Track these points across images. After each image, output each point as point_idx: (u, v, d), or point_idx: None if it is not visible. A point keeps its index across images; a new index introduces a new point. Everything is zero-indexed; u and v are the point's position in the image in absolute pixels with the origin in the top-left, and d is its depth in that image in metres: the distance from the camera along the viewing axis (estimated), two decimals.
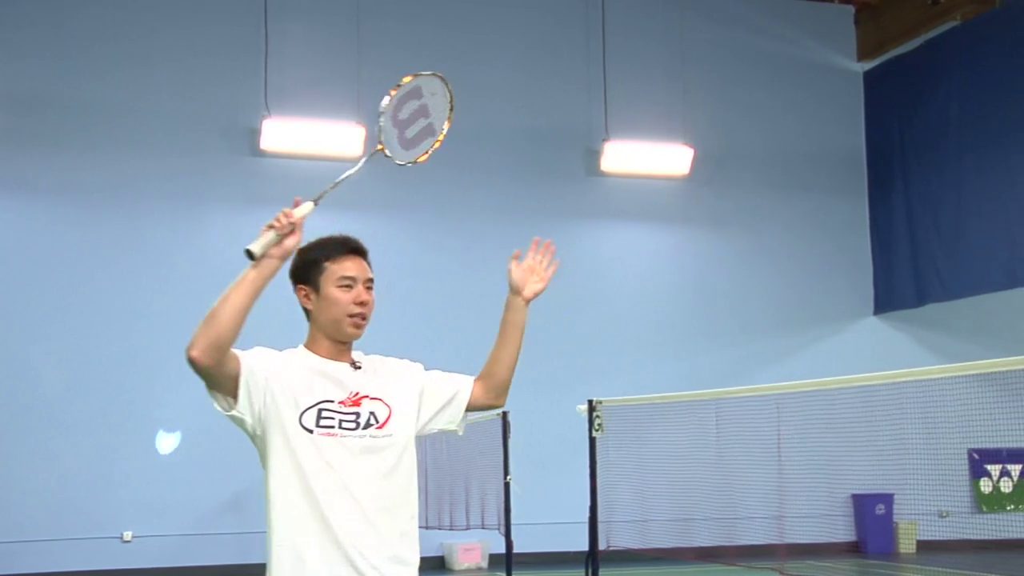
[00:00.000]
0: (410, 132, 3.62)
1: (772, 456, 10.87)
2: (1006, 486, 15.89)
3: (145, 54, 14.20)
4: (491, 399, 3.52)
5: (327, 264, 3.28)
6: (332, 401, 3.19)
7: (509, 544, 10.16)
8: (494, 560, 13.65)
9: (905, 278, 15.86)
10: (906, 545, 15.17)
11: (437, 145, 3.59)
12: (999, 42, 14.35)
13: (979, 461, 15.70)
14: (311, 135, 14.08)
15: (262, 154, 14.13)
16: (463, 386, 3.48)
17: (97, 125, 13.96)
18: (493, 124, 15.31)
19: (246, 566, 12.53)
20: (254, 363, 3.14)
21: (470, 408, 3.47)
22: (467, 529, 11.33)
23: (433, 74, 3.63)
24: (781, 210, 16.31)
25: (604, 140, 15.34)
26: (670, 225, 15.94)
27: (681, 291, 15.76)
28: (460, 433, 3.48)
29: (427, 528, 11.98)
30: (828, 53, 16.78)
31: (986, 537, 13.45)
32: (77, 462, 13.37)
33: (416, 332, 14.42)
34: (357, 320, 3.26)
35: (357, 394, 3.22)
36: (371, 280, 3.35)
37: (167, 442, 13.63)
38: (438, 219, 15.02)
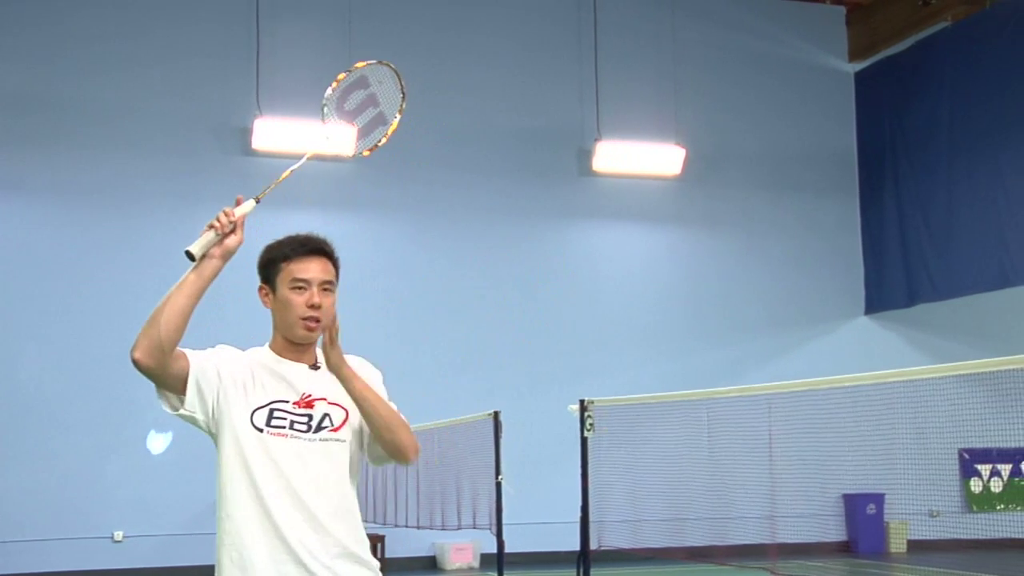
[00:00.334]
0: (359, 121, 3.54)
1: (764, 456, 10.88)
2: (996, 486, 15.93)
3: (138, 54, 14.18)
4: (394, 458, 3.22)
5: (283, 265, 3.21)
6: (286, 402, 3.16)
7: (501, 544, 10.15)
8: (486, 560, 13.65)
9: (896, 278, 15.89)
10: (897, 545, 15.20)
11: (390, 133, 3.51)
12: (990, 43, 14.38)
13: (969, 461, 15.73)
14: (303, 135, 14.07)
15: (254, 153, 14.12)
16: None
17: (90, 125, 13.94)
18: (485, 124, 15.32)
19: None
20: (206, 362, 3.13)
21: (372, 453, 3.23)
22: (459, 529, 11.32)
23: (380, 62, 3.58)
24: (773, 210, 16.33)
25: (596, 140, 15.35)
26: (662, 225, 15.96)
27: (673, 291, 15.77)
28: (368, 463, 3.30)
29: (419, 528, 11.97)
30: (819, 53, 16.81)
31: (976, 537, 13.47)
32: (69, 462, 13.35)
33: (408, 332, 14.42)
34: (309, 323, 3.17)
35: (309, 396, 3.18)
36: (329, 282, 3.21)
37: (159, 442, 13.61)
38: (430, 219, 15.02)
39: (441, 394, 13.71)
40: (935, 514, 14.47)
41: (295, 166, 3.35)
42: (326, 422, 3.17)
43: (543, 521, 13.64)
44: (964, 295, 14.92)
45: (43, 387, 13.43)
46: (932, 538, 14.10)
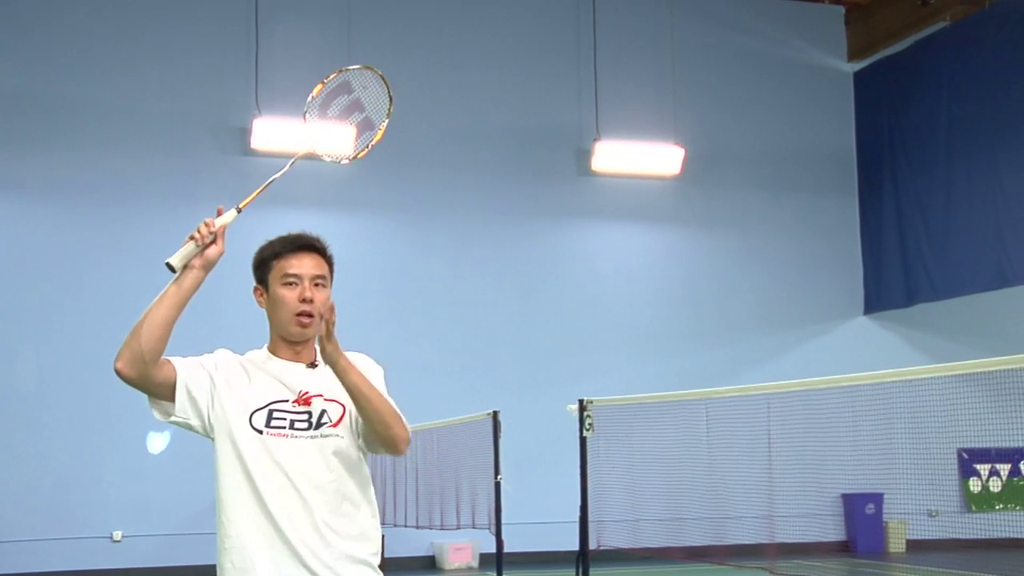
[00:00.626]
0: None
1: (762, 456, 10.88)
2: (995, 485, 15.93)
3: (136, 54, 14.18)
4: (387, 450, 3.18)
5: (275, 262, 3.21)
6: (285, 401, 3.15)
7: (500, 543, 10.16)
8: (485, 560, 13.66)
9: (895, 278, 15.89)
10: (896, 544, 15.21)
11: (378, 139, 3.49)
12: (989, 42, 14.39)
13: (968, 461, 15.74)
14: (301, 135, 14.05)
15: (253, 153, 14.11)
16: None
17: (88, 125, 13.93)
18: (484, 124, 15.32)
19: None
20: (195, 368, 3.13)
21: (367, 443, 3.19)
22: (458, 528, 11.32)
23: (363, 67, 3.55)
24: (771, 210, 16.34)
25: (595, 140, 15.35)
26: (661, 225, 15.96)
27: (672, 291, 15.77)
28: (364, 452, 3.22)
29: (418, 528, 11.98)
30: (818, 53, 16.82)
31: (975, 536, 13.47)
32: (67, 462, 13.35)
33: (407, 331, 14.42)
34: (303, 319, 3.16)
35: (306, 393, 3.17)
36: (321, 277, 3.20)
37: (157, 442, 13.61)
38: (429, 219, 15.01)
39: (440, 394, 13.71)
40: (934, 514, 14.47)
41: (276, 175, 3.35)
42: (325, 418, 3.16)
43: (542, 521, 13.64)
44: (963, 295, 14.93)
45: (41, 387, 13.42)
46: (931, 538, 14.11)
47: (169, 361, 3.09)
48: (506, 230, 15.09)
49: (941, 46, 15.22)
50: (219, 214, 3.11)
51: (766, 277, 16.14)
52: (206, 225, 3.06)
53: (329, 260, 3.27)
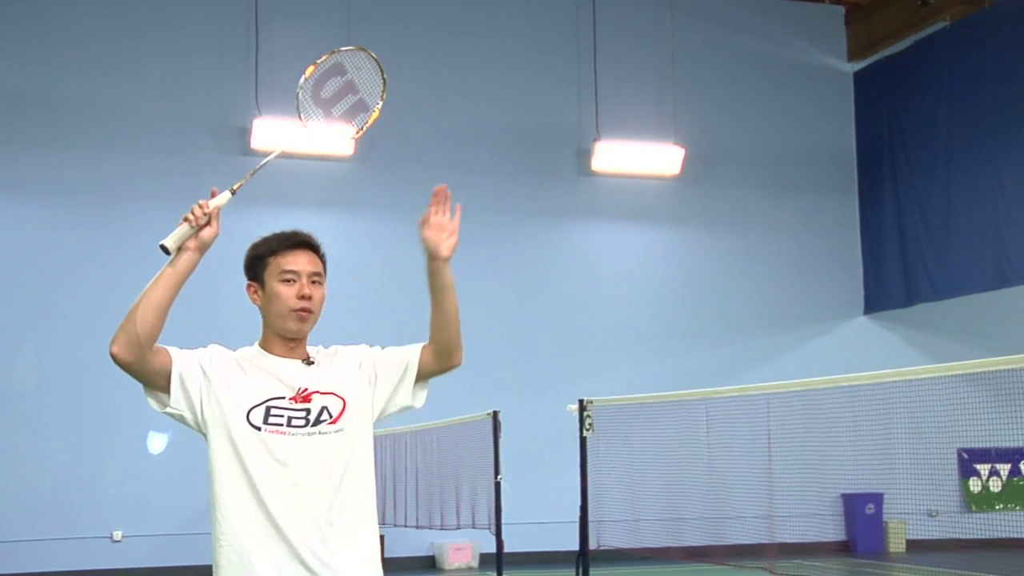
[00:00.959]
0: (337, 110, 3.52)
1: (762, 456, 10.88)
2: (995, 485, 15.93)
3: (135, 54, 14.18)
4: (444, 361, 3.36)
5: (271, 259, 3.21)
6: (282, 398, 3.14)
7: (500, 543, 10.16)
8: (485, 559, 13.65)
9: (895, 278, 15.90)
10: (896, 544, 15.21)
11: (372, 119, 3.50)
12: (989, 43, 14.39)
13: (968, 461, 15.74)
14: (301, 134, 14.05)
15: (253, 153, 14.10)
16: (412, 357, 3.32)
17: (87, 125, 13.93)
18: (484, 124, 15.33)
19: None
20: (190, 360, 3.11)
21: (425, 375, 3.32)
22: (458, 528, 11.32)
23: (356, 48, 3.55)
24: (771, 210, 16.34)
25: (595, 140, 15.35)
26: (661, 225, 15.96)
27: (672, 291, 15.78)
28: (418, 407, 3.35)
29: (417, 528, 11.98)
30: (818, 53, 16.82)
31: (975, 536, 13.48)
32: (67, 462, 13.35)
33: (406, 331, 14.36)
34: (301, 314, 3.17)
35: (306, 390, 3.16)
36: (318, 274, 3.22)
37: (157, 442, 13.61)
38: None
39: (440, 394, 13.52)
40: (934, 514, 14.47)
41: (269, 157, 3.36)
42: (324, 415, 3.15)
43: (542, 521, 13.64)
44: (963, 295, 14.93)
45: (41, 387, 13.42)
46: (931, 538, 14.11)
47: (165, 349, 3.07)
48: (506, 230, 15.08)
49: (941, 46, 15.22)
50: (213, 195, 3.13)
51: (766, 277, 16.14)
52: (200, 207, 3.07)
53: (323, 258, 3.29)
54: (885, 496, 15.05)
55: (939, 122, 15.10)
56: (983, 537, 13.19)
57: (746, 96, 16.44)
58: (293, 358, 3.22)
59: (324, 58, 3.50)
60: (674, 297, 15.76)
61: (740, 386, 10.50)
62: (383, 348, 3.37)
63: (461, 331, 3.34)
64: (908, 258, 15.63)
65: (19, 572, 12.70)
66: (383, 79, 3.51)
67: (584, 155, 15.52)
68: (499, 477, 10.02)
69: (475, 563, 13.97)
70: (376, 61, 3.53)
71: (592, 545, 10.09)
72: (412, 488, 11.94)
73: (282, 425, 3.11)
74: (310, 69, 3.49)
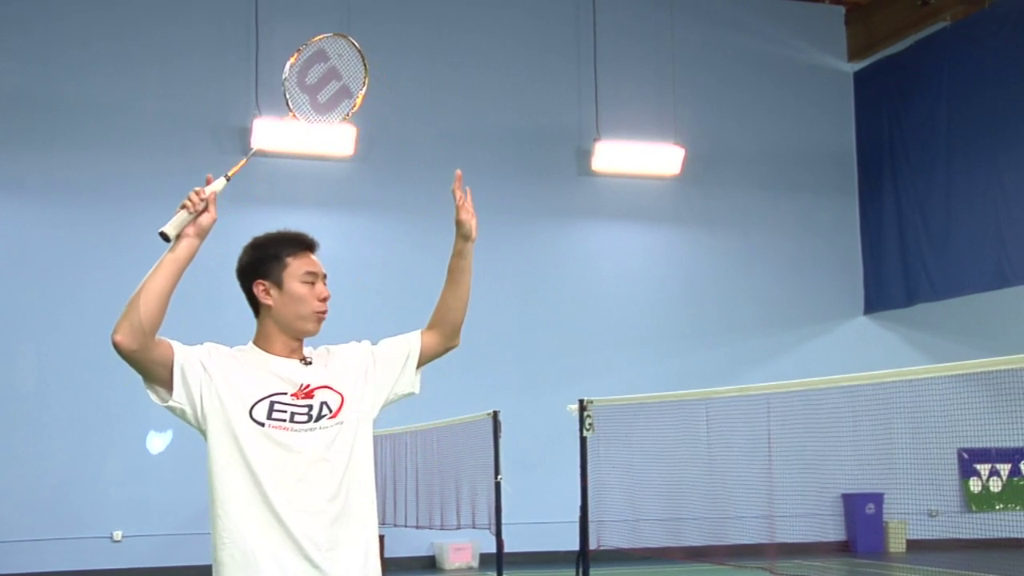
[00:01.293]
0: (323, 96, 3.54)
1: (762, 456, 10.88)
2: (995, 485, 15.93)
3: (136, 54, 14.18)
4: (447, 342, 3.48)
5: (290, 260, 3.23)
6: (284, 394, 3.15)
7: (500, 543, 10.16)
8: (485, 560, 13.66)
9: (895, 278, 15.90)
10: (896, 544, 15.21)
11: (356, 106, 3.54)
12: (989, 42, 14.39)
13: (968, 461, 15.74)
14: (301, 134, 14.06)
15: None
16: (413, 344, 3.43)
17: (88, 125, 13.93)
18: (484, 124, 15.32)
19: None
20: (191, 353, 3.11)
21: (424, 360, 3.43)
22: (458, 529, 11.32)
23: (336, 35, 3.58)
24: (771, 210, 16.34)
25: (595, 140, 15.35)
26: (661, 225, 15.96)
27: (671, 291, 15.78)
28: (416, 392, 3.44)
29: (417, 528, 11.98)
30: (818, 53, 16.82)
31: (975, 536, 13.47)
32: (67, 462, 13.35)
33: (406, 331, 14.40)
34: (319, 316, 3.24)
35: (308, 386, 3.18)
36: (326, 276, 3.30)
37: (157, 442, 13.61)
38: (429, 219, 14.94)
39: (440, 394, 13.62)
40: (934, 514, 14.47)
41: (264, 146, 3.37)
42: (324, 410, 3.18)
43: (542, 521, 13.64)
44: (963, 295, 14.93)
45: (41, 387, 13.42)
46: (931, 538, 14.10)
47: (166, 341, 3.07)
48: (506, 230, 15.07)
49: (941, 46, 15.22)
50: (208, 182, 3.15)
51: (766, 277, 16.14)
52: (196, 193, 3.09)
53: None
54: (885, 496, 15.05)
55: (939, 122, 15.10)
56: (983, 537, 13.18)
57: (746, 96, 16.44)
58: (292, 358, 3.24)
59: (306, 45, 3.53)
60: (674, 297, 15.76)
61: (740, 386, 10.49)
62: (375, 343, 3.42)
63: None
64: (908, 258, 15.63)
65: (19, 572, 12.70)
66: (364, 65, 3.55)
67: (584, 155, 15.52)
68: (499, 477, 10.02)
69: (475, 563, 13.97)
70: (356, 47, 3.56)
71: (592, 545, 10.09)
72: (412, 488, 11.94)
73: (285, 421, 3.12)
74: (293, 57, 3.52)
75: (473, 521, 10.88)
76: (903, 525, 15.03)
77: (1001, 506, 15.85)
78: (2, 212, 13.72)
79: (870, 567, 14.34)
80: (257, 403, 3.12)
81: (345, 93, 3.54)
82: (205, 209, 3.10)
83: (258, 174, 13.97)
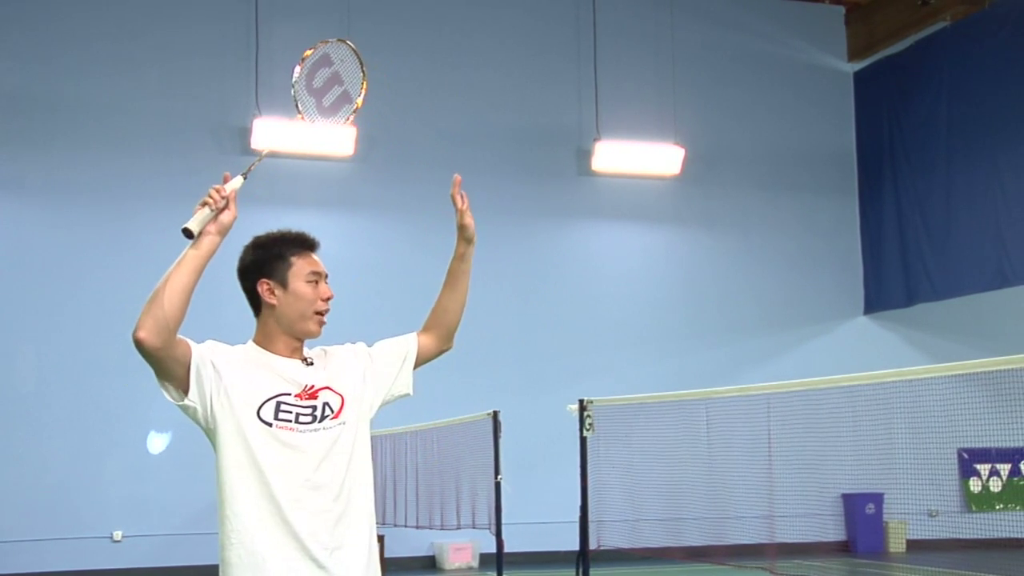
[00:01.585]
0: (327, 100, 3.58)
1: (762, 456, 10.88)
2: (995, 485, 15.93)
3: (136, 54, 14.18)
4: (442, 344, 3.55)
5: (294, 259, 3.25)
6: (289, 395, 3.16)
7: (500, 543, 10.15)
8: (485, 560, 13.65)
9: (895, 278, 15.89)
10: (896, 544, 15.20)
11: (356, 111, 3.59)
12: (989, 42, 14.39)
13: (968, 461, 15.74)
14: (301, 134, 14.07)
15: (253, 153, 14.10)
16: (410, 346, 3.48)
17: (88, 125, 13.93)
18: (484, 124, 15.32)
19: None
20: (205, 352, 3.11)
21: (421, 361, 3.49)
22: (458, 529, 11.32)
23: (339, 40, 3.62)
24: (771, 210, 16.34)
25: (595, 140, 15.35)
26: (661, 225, 15.96)
27: (672, 291, 15.77)
28: (411, 393, 3.48)
29: (417, 528, 11.97)
30: (818, 53, 16.81)
31: (976, 536, 13.46)
32: (67, 462, 13.34)
33: (406, 331, 14.40)
34: (321, 317, 3.27)
35: (312, 387, 3.20)
36: (327, 276, 3.34)
37: (157, 442, 13.61)
38: (429, 219, 14.96)
39: (440, 394, 13.66)
40: (934, 514, 14.47)
41: (274, 145, 3.40)
42: (327, 411, 3.20)
43: (542, 521, 13.64)
44: (963, 295, 14.93)
45: (41, 387, 13.42)
46: (931, 538, 14.10)
47: (183, 339, 3.07)
48: (506, 230, 15.07)
49: (941, 46, 15.21)
50: (226, 180, 3.16)
51: (765, 277, 16.14)
52: (217, 191, 3.10)
53: None
54: (885, 496, 15.05)
55: (939, 122, 15.10)
56: (983, 537, 13.17)
57: (746, 96, 16.44)
58: (294, 358, 3.25)
59: (312, 50, 3.57)
60: (674, 297, 15.76)
61: (740, 386, 10.49)
62: (371, 344, 3.45)
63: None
64: (908, 258, 15.63)
65: (19, 572, 12.70)
66: (363, 72, 3.59)
67: (584, 155, 15.52)
68: (499, 477, 10.02)
69: (475, 563, 13.97)
70: (356, 53, 3.60)
71: (592, 545, 10.08)
72: (412, 488, 11.94)
73: (291, 421, 3.14)
74: (302, 61, 3.56)
75: (473, 521, 10.88)
76: (903, 525, 15.03)
77: (1001, 506, 15.84)
78: (2, 212, 13.72)
79: (870, 567, 14.34)
80: (264, 403, 3.13)
81: (346, 98, 3.58)
82: (226, 207, 3.10)
83: (258, 174, 13.91)
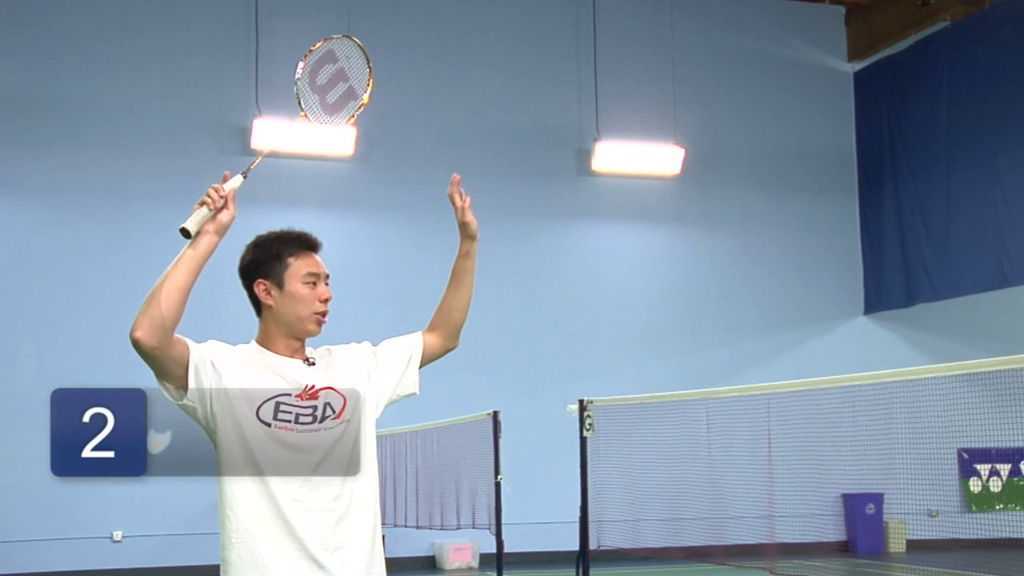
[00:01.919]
0: (331, 97, 3.55)
1: (762, 456, 10.87)
2: (995, 485, 15.93)
3: (136, 53, 14.18)
4: (448, 343, 3.54)
5: (291, 260, 3.23)
6: (288, 395, 3.15)
7: (500, 544, 10.15)
8: (485, 560, 13.66)
9: (895, 278, 15.89)
10: (896, 544, 15.20)
11: (361, 108, 3.55)
12: (989, 43, 14.39)
13: (968, 461, 15.74)
14: (302, 134, 14.06)
15: (253, 153, 14.09)
16: (415, 345, 3.47)
17: (88, 125, 13.93)
18: (484, 124, 15.32)
19: None
20: (204, 352, 3.10)
21: (427, 360, 3.48)
22: (458, 529, 11.32)
23: (344, 36, 3.59)
24: (771, 210, 16.34)
25: (595, 140, 15.35)
26: (661, 225, 15.96)
27: (672, 291, 15.77)
28: (417, 393, 3.47)
29: (418, 528, 11.98)
30: (818, 54, 16.81)
31: (975, 536, 13.47)
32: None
33: (406, 331, 14.40)
34: (320, 317, 3.24)
35: (313, 387, 3.18)
36: (328, 276, 3.30)
37: (158, 442, 13.60)
38: (429, 218, 14.98)
39: (440, 394, 13.64)
40: (934, 514, 14.47)
41: (275, 145, 3.39)
42: (328, 411, 3.18)
43: (542, 521, 13.64)
44: (963, 295, 14.93)
45: (40, 386, 13.41)
46: (931, 538, 14.10)
47: (181, 338, 3.06)
48: (506, 230, 15.07)
49: (941, 46, 15.22)
50: (225, 179, 3.15)
51: (766, 277, 16.14)
52: (215, 190, 3.09)
53: None
54: (885, 496, 15.05)
55: (939, 122, 15.10)
56: (983, 537, 13.17)
57: (746, 96, 16.44)
58: (296, 358, 3.24)
59: (317, 46, 3.55)
60: (674, 297, 15.76)
61: (740, 386, 10.50)
62: (376, 344, 3.43)
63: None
64: (908, 258, 15.62)
65: (19, 572, 12.70)
66: (369, 68, 3.56)
67: (584, 155, 15.52)
68: (499, 477, 10.02)
69: (475, 563, 13.97)
70: (362, 49, 3.57)
71: (592, 545, 10.09)
72: (412, 488, 11.94)
73: (290, 422, 3.12)
74: (304, 58, 3.53)
75: (473, 521, 10.88)
76: (903, 525, 15.03)
77: (1001, 506, 15.85)
78: (2, 212, 13.71)
79: (870, 567, 14.34)
80: (263, 403, 3.12)
81: (351, 95, 3.55)
82: (224, 206, 3.09)
83: (258, 174, 13.90)
